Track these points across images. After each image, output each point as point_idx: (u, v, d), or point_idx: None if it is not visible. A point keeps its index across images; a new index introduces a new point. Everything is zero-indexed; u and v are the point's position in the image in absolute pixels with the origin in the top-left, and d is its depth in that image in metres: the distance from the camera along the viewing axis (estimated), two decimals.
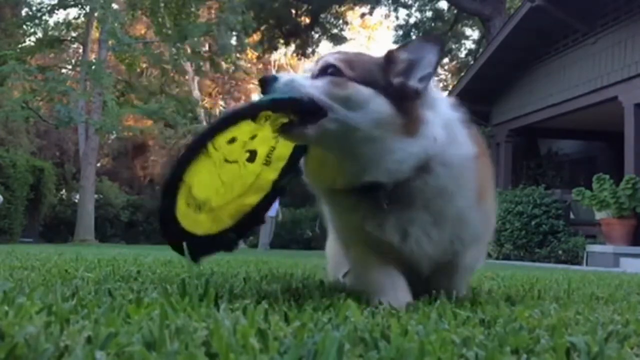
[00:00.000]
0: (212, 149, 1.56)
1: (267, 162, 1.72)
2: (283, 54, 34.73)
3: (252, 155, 1.68)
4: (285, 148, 1.72)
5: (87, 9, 19.83)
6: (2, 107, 17.09)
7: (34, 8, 21.09)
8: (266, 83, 1.58)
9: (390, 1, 22.84)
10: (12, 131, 23.18)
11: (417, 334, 1.07)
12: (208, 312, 1.23)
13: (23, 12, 21.73)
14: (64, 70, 21.87)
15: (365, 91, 1.59)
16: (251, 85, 37.55)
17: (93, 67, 18.46)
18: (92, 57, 21.32)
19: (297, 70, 39.67)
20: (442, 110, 1.68)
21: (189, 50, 20.69)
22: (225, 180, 1.64)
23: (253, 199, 1.74)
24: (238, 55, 22.49)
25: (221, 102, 36.82)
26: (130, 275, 2.50)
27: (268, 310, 1.23)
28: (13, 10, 21.94)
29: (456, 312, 1.40)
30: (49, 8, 20.52)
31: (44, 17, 21.05)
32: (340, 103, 1.57)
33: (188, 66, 25.40)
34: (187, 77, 27.44)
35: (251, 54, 29.80)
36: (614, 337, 1.15)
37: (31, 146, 25.43)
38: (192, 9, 20.73)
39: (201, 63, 22.72)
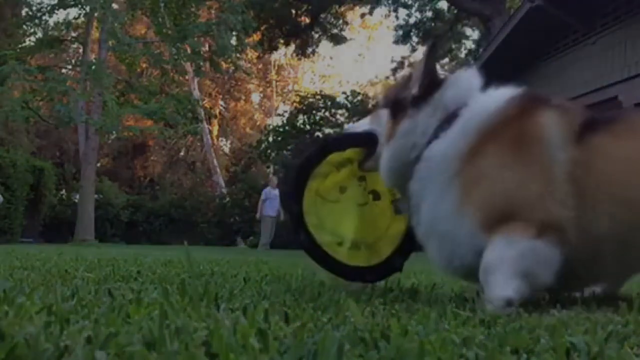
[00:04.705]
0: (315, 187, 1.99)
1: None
2: (283, 54, 34.74)
3: (376, 195, 2.03)
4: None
5: (87, 9, 19.80)
6: (2, 107, 17.06)
7: (34, 8, 21.07)
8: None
9: (390, 1, 22.80)
10: (12, 131, 23.16)
11: (417, 334, 1.07)
12: (208, 312, 1.23)
13: (23, 12, 21.71)
14: (64, 70, 21.83)
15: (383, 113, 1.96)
16: (251, 85, 37.58)
17: (93, 67, 18.45)
18: (92, 57, 21.30)
19: (297, 71, 39.70)
20: (448, 99, 1.82)
21: (189, 50, 20.67)
22: (367, 219, 2.00)
23: (400, 226, 2.04)
24: (238, 55, 22.45)
25: (221, 102, 36.82)
26: (130, 275, 2.50)
27: (268, 310, 1.23)
28: (13, 10, 21.93)
29: (456, 312, 1.40)
30: (49, 8, 20.49)
31: (44, 17, 21.03)
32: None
33: (188, 66, 25.38)
34: (187, 77, 27.42)
35: (251, 54, 29.77)
36: (614, 337, 1.15)
37: (31, 146, 25.44)
38: (192, 9, 20.71)
39: (201, 63, 22.70)
